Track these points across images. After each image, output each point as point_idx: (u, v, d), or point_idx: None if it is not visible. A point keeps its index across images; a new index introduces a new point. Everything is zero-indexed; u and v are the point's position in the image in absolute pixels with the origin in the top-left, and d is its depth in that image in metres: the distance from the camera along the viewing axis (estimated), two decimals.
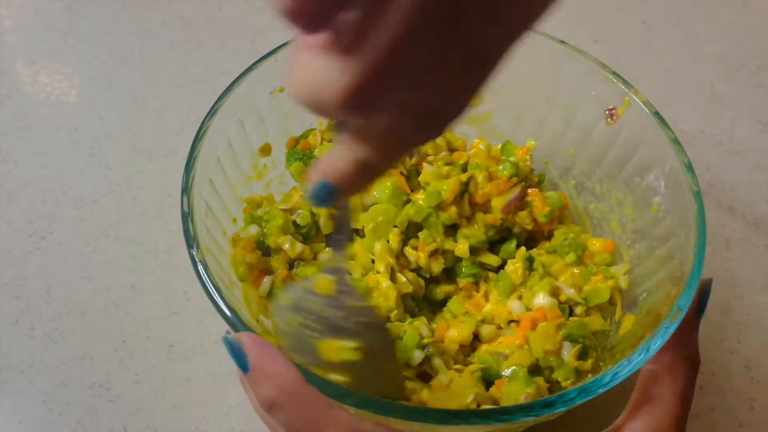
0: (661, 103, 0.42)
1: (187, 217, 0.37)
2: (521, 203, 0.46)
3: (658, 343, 0.33)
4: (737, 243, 0.53)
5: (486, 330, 0.43)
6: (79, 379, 0.45)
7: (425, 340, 0.41)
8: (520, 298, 0.44)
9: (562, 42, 0.46)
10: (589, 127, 0.47)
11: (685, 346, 0.32)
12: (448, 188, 0.44)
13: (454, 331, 0.43)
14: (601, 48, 0.66)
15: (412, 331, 0.41)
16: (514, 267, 0.44)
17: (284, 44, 0.45)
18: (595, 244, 0.45)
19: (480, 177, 0.46)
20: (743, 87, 0.66)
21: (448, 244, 0.45)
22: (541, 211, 0.46)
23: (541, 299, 0.43)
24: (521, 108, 0.50)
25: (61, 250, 0.52)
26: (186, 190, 0.38)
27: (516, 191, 0.46)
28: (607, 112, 0.45)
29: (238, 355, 0.29)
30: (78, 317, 0.48)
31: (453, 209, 0.45)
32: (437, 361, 0.41)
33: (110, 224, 0.54)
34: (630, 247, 0.45)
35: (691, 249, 0.36)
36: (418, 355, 0.40)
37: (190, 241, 0.36)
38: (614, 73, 0.44)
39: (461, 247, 0.45)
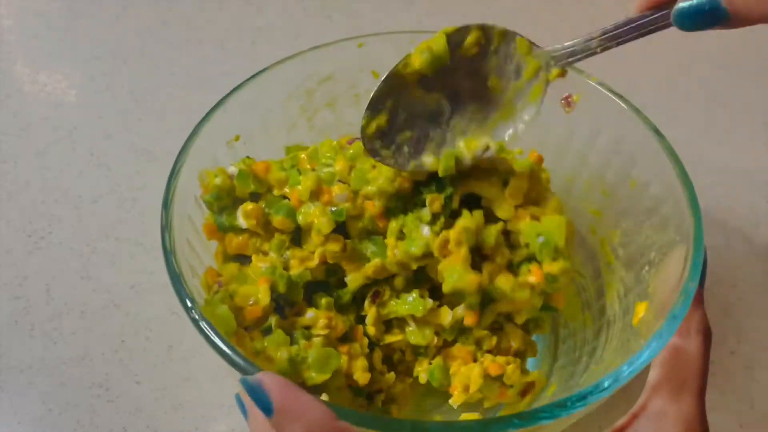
0: (660, 103, 0.41)
1: (170, 254, 0.36)
2: None
3: (670, 326, 0.32)
4: (737, 243, 0.53)
5: None
6: (78, 379, 0.45)
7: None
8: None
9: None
10: (548, 120, 0.42)
11: (697, 321, 0.33)
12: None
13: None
14: None
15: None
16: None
17: (228, 94, 0.42)
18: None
19: None
20: (743, 87, 0.66)
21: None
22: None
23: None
24: None
25: (61, 250, 0.52)
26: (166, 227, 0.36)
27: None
28: (563, 101, 0.42)
29: (259, 397, 0.27)
30: (78, 317, 0.48)
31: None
32: None
33: (110, 224, 0.54)
34: (616, 227, 0.42)
35: (686, 211, 0.34)
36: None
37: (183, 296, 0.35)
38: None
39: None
